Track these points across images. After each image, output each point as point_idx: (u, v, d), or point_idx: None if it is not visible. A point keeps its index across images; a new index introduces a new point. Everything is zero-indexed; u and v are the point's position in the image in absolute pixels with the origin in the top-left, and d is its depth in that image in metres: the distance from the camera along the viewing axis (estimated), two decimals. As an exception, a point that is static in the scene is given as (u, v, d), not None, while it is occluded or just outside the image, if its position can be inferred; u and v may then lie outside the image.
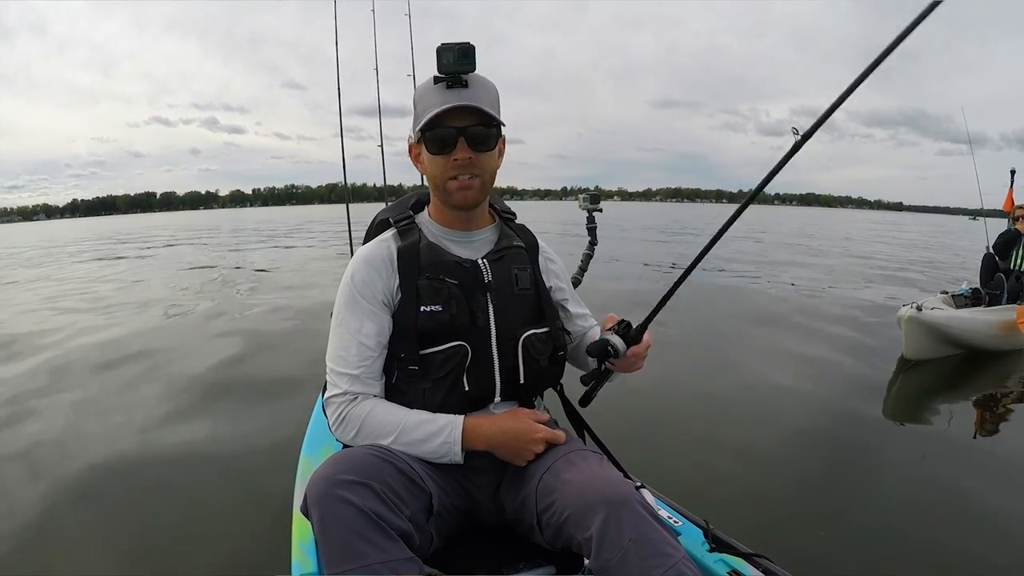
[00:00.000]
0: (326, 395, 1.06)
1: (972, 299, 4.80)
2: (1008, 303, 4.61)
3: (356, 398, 1.03)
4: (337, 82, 3.34)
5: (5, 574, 1.79)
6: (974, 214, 5.87)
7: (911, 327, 3.98)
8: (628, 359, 1.07)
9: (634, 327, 1.07)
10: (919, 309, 3.93)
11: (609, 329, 1.07)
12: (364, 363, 1.04)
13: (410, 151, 1.13)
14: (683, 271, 1.13)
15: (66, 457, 2.58)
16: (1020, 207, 4.88)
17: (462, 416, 1.03)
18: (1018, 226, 4.85)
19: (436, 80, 1.02)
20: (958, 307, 4.73)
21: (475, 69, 1.02)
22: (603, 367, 1.10)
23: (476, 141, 1.03)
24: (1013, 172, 5.27)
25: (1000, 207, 5.27)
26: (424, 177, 1.14)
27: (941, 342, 4.12)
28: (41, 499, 2.21)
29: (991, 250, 5.00)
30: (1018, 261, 4.81)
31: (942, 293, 5.03)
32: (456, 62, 1.00)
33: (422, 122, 1.02)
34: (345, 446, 1.05)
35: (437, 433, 1.00)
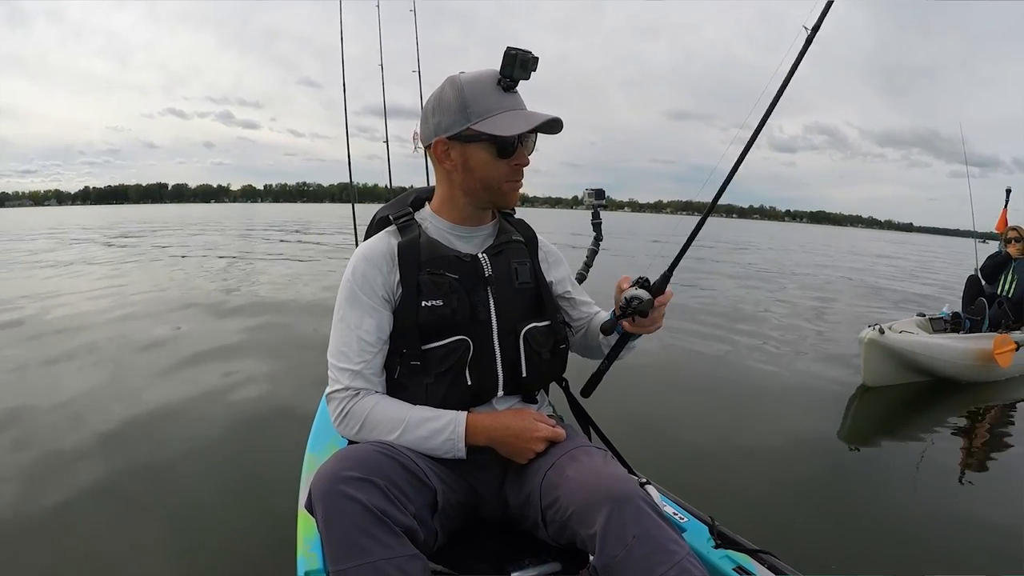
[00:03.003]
0: (328, 390, 1.06)
1: (952, 323, 4.47)
2: (989, 331, 4.25)
3: (358, 394, 1.03)
4: (343, 82, 3.35)
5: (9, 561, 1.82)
6: (984, 237, 5.55)
7: (871, 351, 3.65)
8: (651, 315, 1.05)
9: (652, 282, 1.06)
10: (881, 332, 3.59)
11: (630, 287, 1.06)
12: (364, 358, 1.04)
13: (435, 148, 1.07)
14: (697, 223, 1.19)
15: (63, 444, 2.61)
16: (1013, 229, 4.55)
17: (465, 412, 1.03)
18: (1010, 249, 4.50)
19: (498, 83, 1.02)
20: (935, 331, 4.42)
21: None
22: (632, 317, 1.05)
23: (532, 145, 1.08)
24: (1008, 191, 5.00)
25: (993, 229, 4.98)
26: (430, 174, 1.15)
27: (906, 369, 3.79)
28: (42, 486, 2.24)
29: (978, 272, 4.69)
30: (1006, 286, 4.48)
31: (918, 315, 4.67)
32: (525, 70, 1.01)
33: (505, 129, 1.00)
34: (350, 442, 1.06)
35: (441, 430, 1.01)
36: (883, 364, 3.70)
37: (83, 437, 2.73)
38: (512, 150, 1.04)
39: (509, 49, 0.99)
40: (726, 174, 1.18)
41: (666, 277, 1.07)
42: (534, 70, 1.01)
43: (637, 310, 1.02)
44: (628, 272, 1.08)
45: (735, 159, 1.17)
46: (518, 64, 0.99)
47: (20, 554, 1.86)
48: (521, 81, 1.03)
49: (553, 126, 1.05)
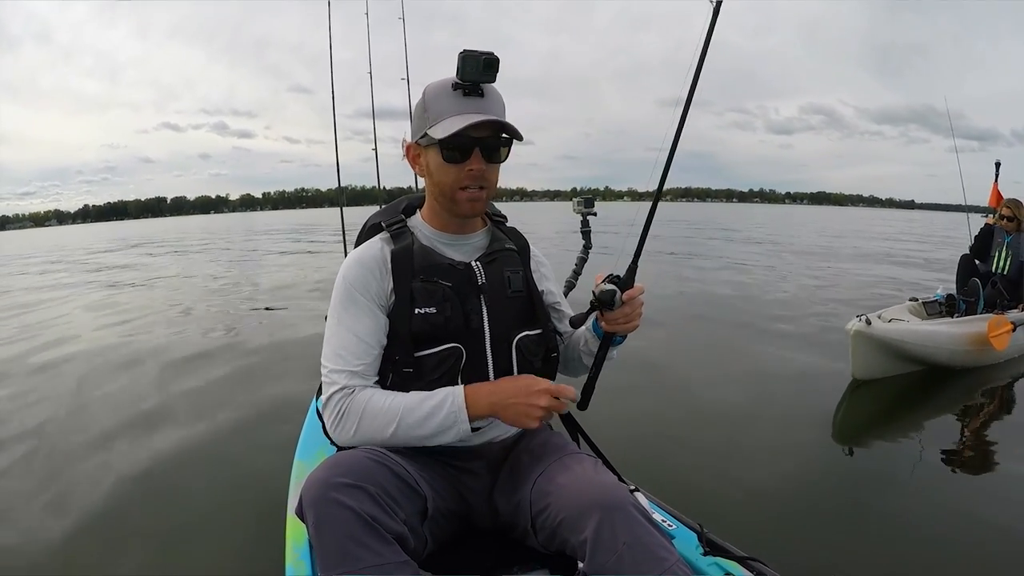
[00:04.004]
0: (323, 397, 1.03)
1: (946, 306, 4.27)
2: (985, 311, 4.00)
3: (353, 390, 1.00)
4: (331, 86, 3.38)
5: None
6: (984, 212, 5.45)
7: (858, 343, 3.46)
8: (624, 310, 1.04)
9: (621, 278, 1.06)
10: (868, 322, 3.41)
11: (601, 283, 1.05)
12: (363, 360, 1.02)
13: (407, 151, 1.10)
14: (649, 210, 1.14)
15: (48, 463, 2.56)
16: (1008, 205, 4.26)
17: (460, 385, 1.00)
18: (989, 220, 4.31)
19: (455, 87, 1.00)
20: (929, 315, 4.23)
21: (495, 81, 1.01)
22: (600, 311, 1.06)
23: (491, 153, 1.04)
24: (998, 164, 4.86)
25: (986, 203, 4.84)
26: (418, 179, 1.14)
27: (896, 359, 3.58)
28: (33, 503, 2.21)
29: (970, 251, 4.47)
30: (1000, 264, 4.24)
31: (911, 300, 4.44)
32: (480, 72, 0.99)
33: (443, 132, 0.99)
34: (339, 449, 1.05)
35: (440, 405, 0.97)
36: (872, 356, 3.53)
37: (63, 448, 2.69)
38: (460, 155, 1.02)
39: (462, 52, 0.98)
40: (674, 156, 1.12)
41: (631, 270, 1.07)
42: (493, 71, 0.99)
43: (601, 300, 1.03)
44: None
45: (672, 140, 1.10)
46: (469, 66, 0.98)
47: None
48: (487, 84, 1.01)
49: (503, 128, 1.01)
